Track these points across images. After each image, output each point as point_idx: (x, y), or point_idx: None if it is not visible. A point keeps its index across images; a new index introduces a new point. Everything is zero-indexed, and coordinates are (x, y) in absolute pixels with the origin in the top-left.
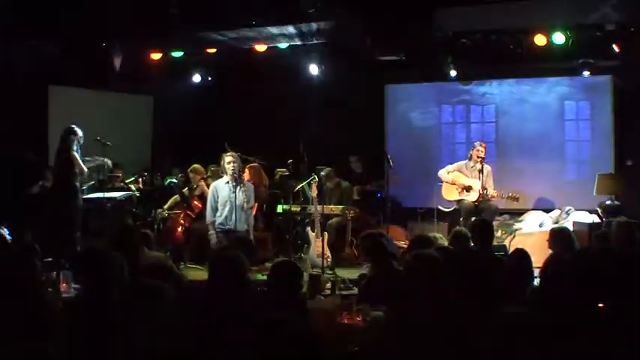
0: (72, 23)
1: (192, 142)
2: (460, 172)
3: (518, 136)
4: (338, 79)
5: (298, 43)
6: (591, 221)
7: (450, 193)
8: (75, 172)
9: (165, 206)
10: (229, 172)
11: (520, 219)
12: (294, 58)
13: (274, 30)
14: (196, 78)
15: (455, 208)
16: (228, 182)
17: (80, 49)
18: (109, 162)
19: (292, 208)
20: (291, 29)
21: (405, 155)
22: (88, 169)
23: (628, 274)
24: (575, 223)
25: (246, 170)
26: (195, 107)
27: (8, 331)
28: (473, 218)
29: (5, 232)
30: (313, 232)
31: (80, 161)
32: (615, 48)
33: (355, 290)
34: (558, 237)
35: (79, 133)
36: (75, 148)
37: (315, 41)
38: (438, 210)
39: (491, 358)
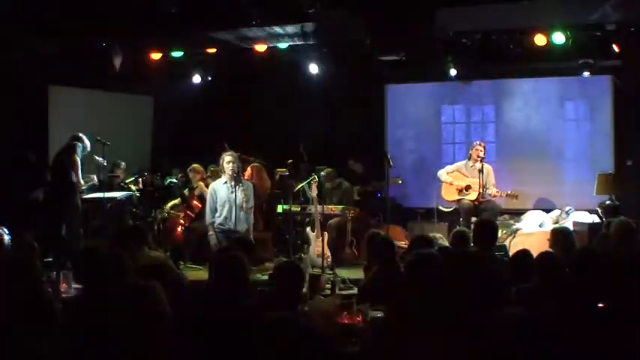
0: (72, 23)
1: (192, 142)
2: (459, 172)
3: (518, 136)
4: (338, 79)
5: (298, 43)
6: (591, 221)
7: (449, 194)
8: (74, 173)
9: (167, 205)
10: (228, 171)
11: (520, 219)
12: (294, 58)
13: (274, 30)
14: (196, 78)
15: (455, 208)
16: (226, 182)
17: (80, 49)
18: (95, 179)
19: (292, 208)
20: (291, 29)
21: (405, 155)
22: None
23: (627, 275)
24: (575, 223)
25: (248, 169)
26: (195, 107)
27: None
28: (473, 218)
29: (5, 232)
30: (313, 232)
31: (80, 172)
32: (615, 48)
33: (355, 290)
34: (559, 237)
35: (86, 141)
36: (79, 154)
37: (315, 41)
38: (438, 210)
39: (492, 358)
